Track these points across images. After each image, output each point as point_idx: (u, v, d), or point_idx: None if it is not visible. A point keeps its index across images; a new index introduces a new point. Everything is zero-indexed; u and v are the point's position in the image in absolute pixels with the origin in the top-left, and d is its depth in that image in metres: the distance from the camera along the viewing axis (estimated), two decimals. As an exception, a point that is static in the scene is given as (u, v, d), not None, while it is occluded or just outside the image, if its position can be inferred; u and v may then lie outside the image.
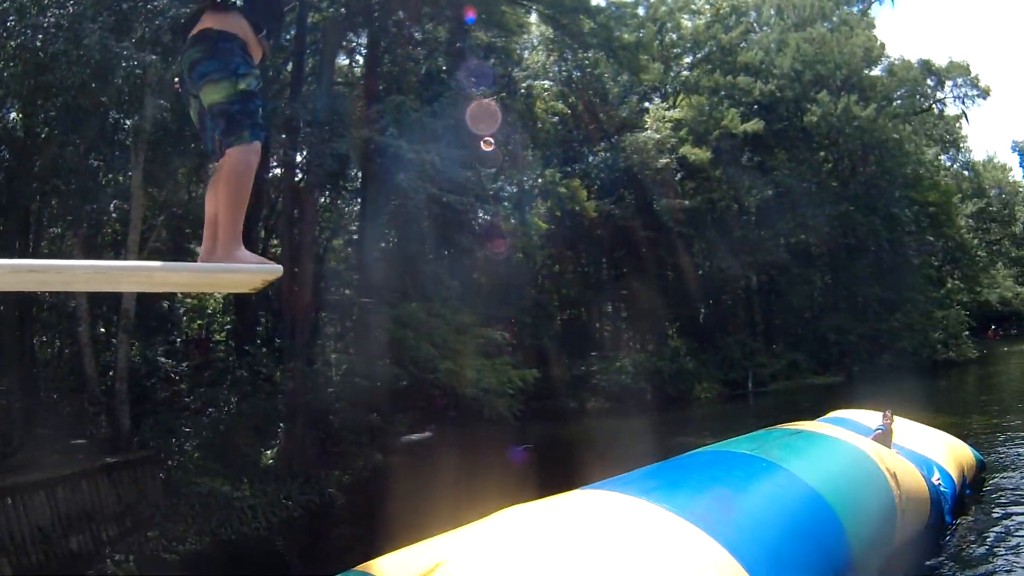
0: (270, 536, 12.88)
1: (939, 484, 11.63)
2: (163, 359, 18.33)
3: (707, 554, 6.13)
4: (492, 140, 17.01)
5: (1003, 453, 17.15)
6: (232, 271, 3.65)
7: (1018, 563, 9.99)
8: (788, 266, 42.36)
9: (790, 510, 7.67)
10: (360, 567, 5.74)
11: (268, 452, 16.89)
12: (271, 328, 22.64)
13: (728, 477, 8.36)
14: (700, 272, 41.67)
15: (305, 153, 21.56)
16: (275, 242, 21.05)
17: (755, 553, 6.37)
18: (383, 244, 26.33)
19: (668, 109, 41.42)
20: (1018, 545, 10.66)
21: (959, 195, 63.40)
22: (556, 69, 39.56)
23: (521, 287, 32.36)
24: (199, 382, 17.14)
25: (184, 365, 19.33)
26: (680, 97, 41.73)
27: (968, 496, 13.07)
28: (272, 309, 21.38)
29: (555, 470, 11.34)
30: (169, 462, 14.37)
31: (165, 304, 21.75)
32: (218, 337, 23.55)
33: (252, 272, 3.73)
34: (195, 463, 14.06)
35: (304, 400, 17.56)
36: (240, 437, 15.35)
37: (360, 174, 24.87)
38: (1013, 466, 15.71)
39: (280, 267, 3.75)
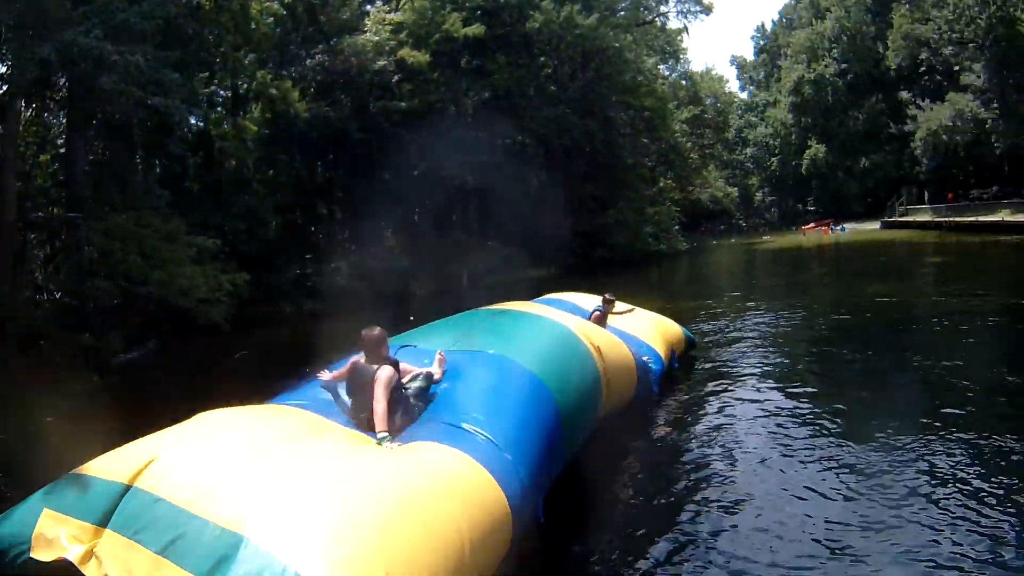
0: None
1: (647, 360, 12.38)
2: None
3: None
4: None
5: (708, 330, 19.34)
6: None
7: (710, 422, 11.33)
8: (504, 166, 43.59)
9: (506, 390, 7.87)
10: (75, 470, 5.65)
11: None
12: None
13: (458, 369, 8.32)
14: (416, 173, 42.41)
15: (8, 61, 20.32)
16: None
17: (474, 440, 6.70)
18: (91, 157, 25.90)
19: (389, 12, 42.37)
20: (716, 408, 12.01)
21: (675, 102, 67.90)
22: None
23: (234, 193, 33.12)
24: None
25: None
26: (403, 1, 42.36)
27: (676, 369, 14.12)
28: None
29: (270, 374, 12.46)
30: None
31: None
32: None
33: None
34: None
35: (13, 326, 16.80)
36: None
37: (66, 82, 23.46)
38: (718, 343, 17.59)
39: None
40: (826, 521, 7.55)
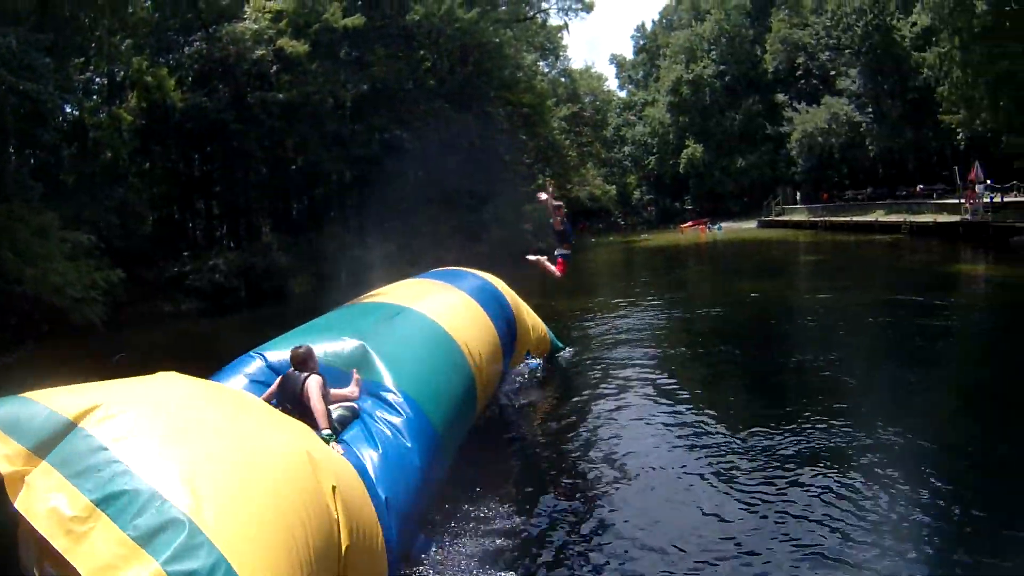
0: None
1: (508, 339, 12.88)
2: None
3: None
4: None
5: (586, 327, 20.26)
6: None
7: (587, 419, 11.75)
8: (381, 160, 44.24)
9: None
10: (23, 394, 5.62)
11: None
12: None
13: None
14: (293, 167, 42.82)
15: None
16: None
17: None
18: None
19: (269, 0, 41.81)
20: (593, 405, 12.44)
21: (554, 99, 68.57)
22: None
23: (109, 185, 32.52)
24: None
25: None
26: (287, -12, 41.82)
27: (532, 367, 14.82)
28: None
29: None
30: None
31: None
32: None
33: None
34: None
35: None
36: None
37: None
38: (596, 340, 18.34)
39: None
40: (701, 511, 8.16)
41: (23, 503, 4.87)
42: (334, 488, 5.72)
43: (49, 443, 5.15)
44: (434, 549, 7.46)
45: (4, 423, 5.24)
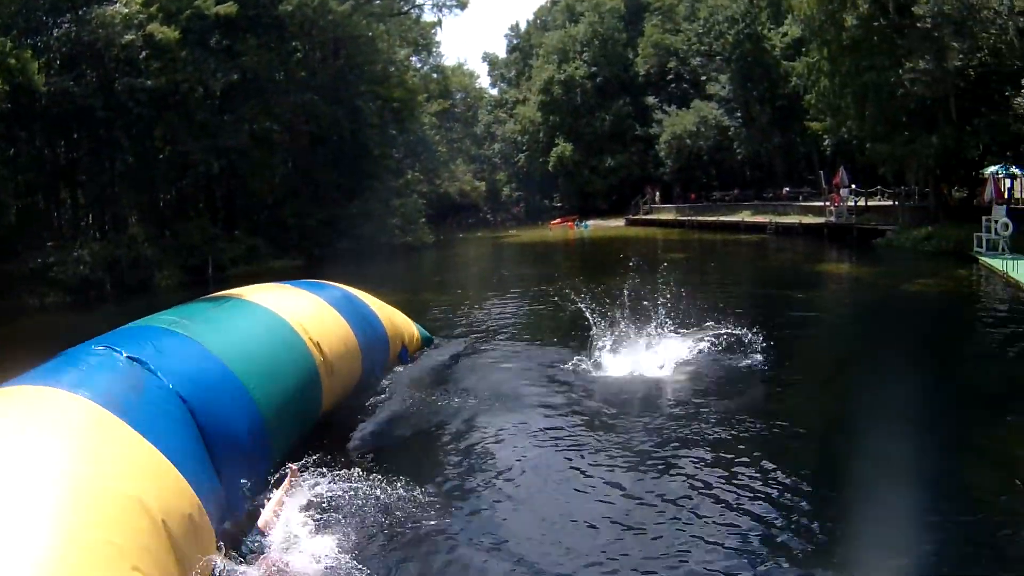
0: None
1: (371, 345, 12.94)
2: None
3: (107, 427, 6.50)
4: None
5: (453, 322, 20.32)
6: None
7: (455, 417, 11.97)
8: (250, 152, 44.39)
9: (194, 381, 8.05)
10: None
11: None
12: None
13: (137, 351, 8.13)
14: (161, 156, 42.38)
15: None
16: None
17: (157, 426, 6.90)
18: None
19: (141, -17, 40.87)
20: (461, 406, 12.42)
21: (426, 95, 69.10)
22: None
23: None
24: None
25: None
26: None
27: (405, 363, 14.81)
28: None
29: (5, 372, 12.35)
30: None
31: None
32: None
33: None
34: None
35: None
36: None
37: None
38: (461, 334, 18.48)
39: None
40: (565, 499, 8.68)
41: None
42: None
43: None
44: (267, 548, 7.22)
45: None
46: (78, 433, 6.24)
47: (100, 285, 34.55)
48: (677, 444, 10.19)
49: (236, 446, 8.12)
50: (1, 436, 5.95)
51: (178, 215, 44.19)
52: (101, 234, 39.70)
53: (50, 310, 30.39)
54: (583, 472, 9.49)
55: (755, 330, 14.18)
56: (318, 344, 10.88)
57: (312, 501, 8.30)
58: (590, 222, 70.99)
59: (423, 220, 58.27)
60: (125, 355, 7.86)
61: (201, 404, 7.86)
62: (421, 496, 8.68)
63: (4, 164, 35.28)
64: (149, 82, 38.72)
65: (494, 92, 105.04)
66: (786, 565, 7.06)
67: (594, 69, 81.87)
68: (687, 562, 7.21)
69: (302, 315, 11.37)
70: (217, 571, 6.40)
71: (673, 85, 76.26)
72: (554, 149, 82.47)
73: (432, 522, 8.19)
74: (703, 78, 70.18)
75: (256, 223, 46.95)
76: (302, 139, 48.34)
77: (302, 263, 43.01)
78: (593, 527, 8.04)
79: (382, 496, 8.56)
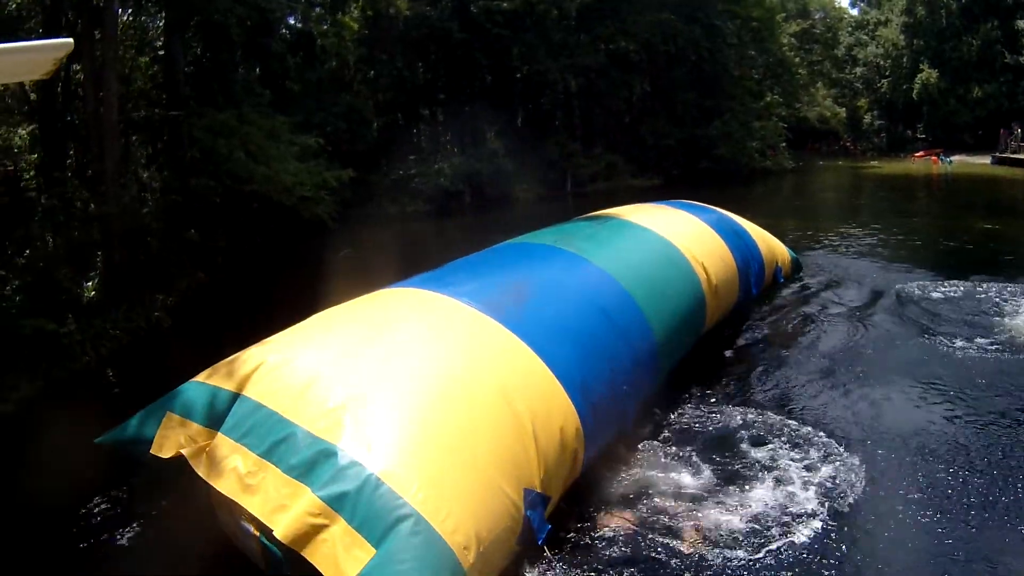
0: (102, 368, 12.82)
1: (750, 263, 12.94)
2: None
3: (500, 341, 6.91)
4: None
5: (810, 250, 19.51)
6: (18, 52, 3.99)
7: (811, 330, 12.14)
8: (608, 71, 43.76)
9: (587, 298, 8.32)
10: (195, 378, 6.53)
11: (90, 284, 16.10)
12: (80, 158, 20.35)
13: (526, 269, 8.96)
14: (519, 76, 42.65)
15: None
16: (77, 67, 19.96)
17: (546, 339, 7.14)
18: (190, 58, 25.67)
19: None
20: (816, 315, 12.83)
21: (783, 14, 66.03)
22: None
23: (335, 93, 32.94)
24: (8, 222, 15.67)
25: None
26: None
27: (781, 283, 14.73)
28: (80, 137, 19.66)
29: (375, 272, 12.63)
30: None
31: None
32: (27, 176, 22.31)
33: (40, 50, 4.14)
34: (17, 306, 13.38)
35: (120, 225, 16.69)
36: (60, 272, 14.63)
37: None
38: (818, 263, 17.80)
39: (70, 40, 4.08)
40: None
41: (206, 472, 5.76)
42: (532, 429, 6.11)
43: (222, 416, 5.99)
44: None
45: (182, 409, 6.25)
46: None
47: (459, 196, 35.79)
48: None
49: (634, 366, 8.16)
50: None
51: (536, 131, 43.96)
52: (460, 149, 40.40)
53: (411, 217, 31.48)
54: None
55: None
56: (703, 264, 10.85)
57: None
58: (954, 157, 64.99)
59: (783, 145, 55.96)
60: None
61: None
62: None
63: (365, 84, 36.89)
64: (505, 4, 38.82)
65: (854, 12, 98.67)
66: None
67: (960, -13, 74.76)
68: None
69: (684, 235, 11.46)
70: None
71: (1048, 6, 67.86)
72: (918, 76, 76.79)
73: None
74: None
75: (614, 141, 46.03)
76: (659, 59, 46.76)
77: (660, 182, 42.21)
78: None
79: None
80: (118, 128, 19.14)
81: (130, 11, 24.03)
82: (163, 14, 24.37)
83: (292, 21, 31.52)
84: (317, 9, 35.51)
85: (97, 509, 7.35)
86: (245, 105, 23.98)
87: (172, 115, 22.10)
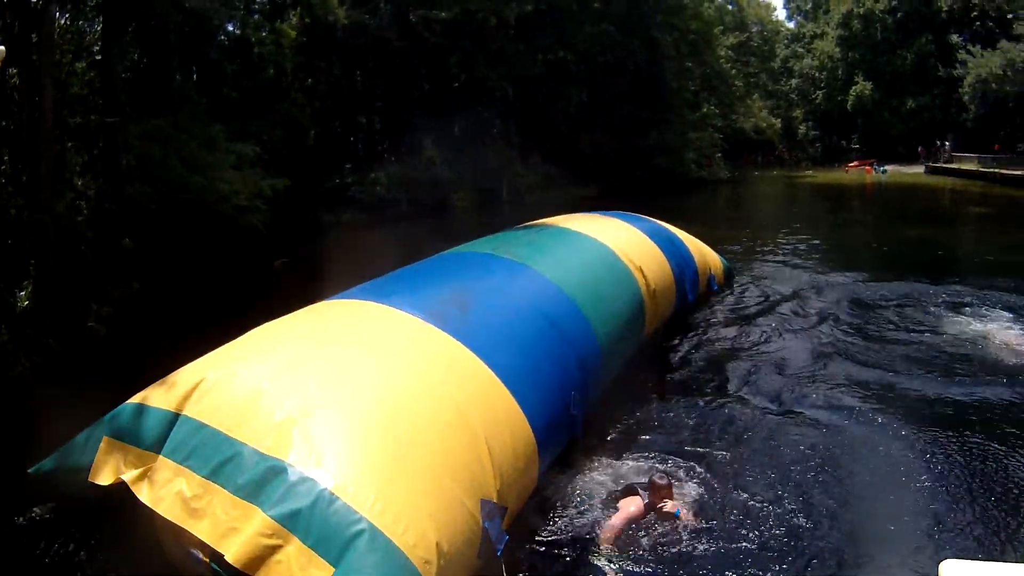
0: (37, 376, 12.44)
1: (683, 272, 13.23)
2: None
3: (448, 351, 6.86)
4: None
5: (745, 258, 20.13)
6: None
7: (745, 335, 12.63)
8: (546, 81, 44.32)
9: (531, 305, 8.46)
10: (131, 400, 6.15)
11: (23, 293, 15.62)
12: (14, 164, 19.10)
13: (469, 278, 8.95)
14: (456, 84, 42.74)
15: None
16: (12, 71, 19.62)
17: (493, 348, 7.16)
18: (127, 64, 25.27)
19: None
20: (750, 321, 13.33)
21: (721, 27, 67.40)
22: None
23: (273, 101, 32.72)
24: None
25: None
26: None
27: (715, 291, 15.27)
28: (14, 143, 20.08)
29: (311, 283, 12.47)
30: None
31: None
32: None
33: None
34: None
35: (54, 233, 16.32)
36: (-9, 281, 13.92)
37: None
38: (753, 271, 18.53)
39: (1, 48, 4.22)
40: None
41: (149, 498, 5.47)
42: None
43: (162, 438, 5.72)
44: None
45: (119, 432, 5.95)
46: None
47: (396, 204, 35.53)
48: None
49: (581, 372, 8.30)
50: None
51: (473, 140, 43.87)
52: (397, 158, 40.27)
53: (347, 227, 31.18)
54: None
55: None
56: (640, 268, 11.16)
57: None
58: (888, 167, 66.90)
59: (719, 155, 56.91)
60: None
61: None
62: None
63: (303, 92, 36.40)
64: (443, 14, 38.88)
65: (791, 25, 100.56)
66: None
67: (895, 3, 76.40)
68: None
69: (621, 241, 11.80)
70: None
71: (978, 23, 69.56)
72: (853, 87, 78.60)
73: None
74: (1010, 15, 62.96)
75: (552, 151, 46.40)
76: (597, 70, 47.45)
77: (597, 192, 42.19)
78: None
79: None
80: (53, 134, 18.71)
81: (68, 15, 23.48)
82: (101, 19, 24.02)
83: (230, 28, 31.32)
84: (255, 16, 35.43)
85: (31, 542, 6.94)
86: (182, 112, 23.85)
87: (108, 122, 21.48)
